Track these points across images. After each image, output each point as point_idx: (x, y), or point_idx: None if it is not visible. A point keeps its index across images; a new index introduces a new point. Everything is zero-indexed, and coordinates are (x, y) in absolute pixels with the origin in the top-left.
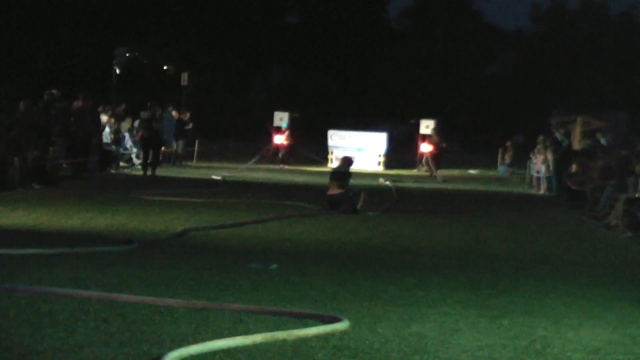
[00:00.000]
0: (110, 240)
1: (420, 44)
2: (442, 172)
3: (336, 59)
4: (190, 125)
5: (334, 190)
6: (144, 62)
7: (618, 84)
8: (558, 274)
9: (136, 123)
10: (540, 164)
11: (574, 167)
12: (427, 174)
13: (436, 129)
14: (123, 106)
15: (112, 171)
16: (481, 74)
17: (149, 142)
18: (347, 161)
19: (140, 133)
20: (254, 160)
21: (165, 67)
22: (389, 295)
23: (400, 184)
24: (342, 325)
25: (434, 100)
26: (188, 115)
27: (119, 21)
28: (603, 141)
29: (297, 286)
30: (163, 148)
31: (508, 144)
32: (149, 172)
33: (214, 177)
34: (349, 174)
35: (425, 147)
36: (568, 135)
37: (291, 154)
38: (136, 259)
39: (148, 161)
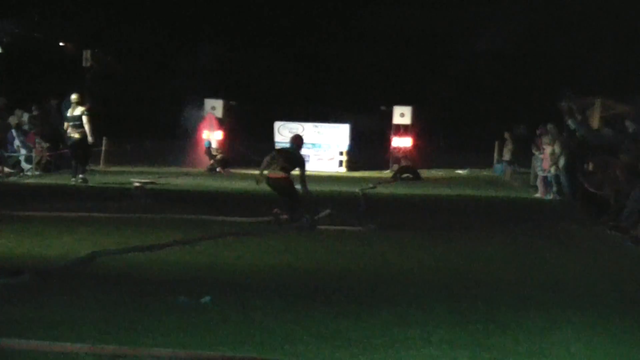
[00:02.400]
0: None
1: (391, 10)
2: (421, 173)
3: (281, 31)
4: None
5: (276, 173)
6: (34, 39)
7: None
8: (573, 303)
9: (25, 117)
10: (547, 161)
11: (591, 165)
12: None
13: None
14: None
15: None
16: (470, 48)
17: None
18: (297, 140)
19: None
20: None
21: (62, 45)
22: (356, 334)
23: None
24: None
25: (410, 82)
26: (87, 106)
27: None
28: (631, 130)
29: (238, 325)
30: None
31: (506, 136)
32: (79, 179)
33: (135, 183)
34: (302, 162)
35: (402, 142)
36: (585, 123)
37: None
38: (28, 293)
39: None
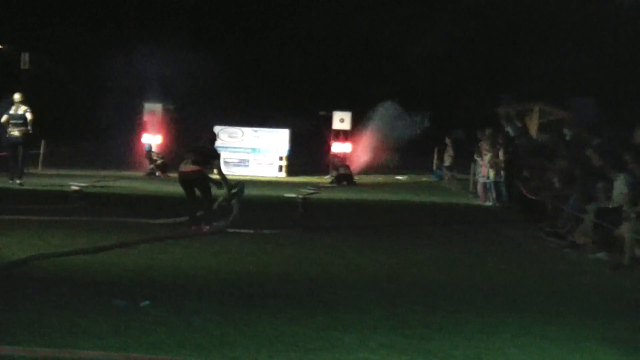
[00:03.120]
0: None
1: (331, 14)
2: (360, 179)
3: (220, 34)
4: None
5: (187, 167)
6: None
7: (584, 63)
8: (510, 308)
9: None
10: (486, 167)
11: (528, 171)
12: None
13: None
14: None
15: None
16: (407, 52)
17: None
18: (210, 135)
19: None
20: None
21: None
22: (294, 337)
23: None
24: None
25: (349, 87)
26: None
27: None
28: (568, 136)
29: (175, 328)
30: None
31: (447, 141)
32: (17, 183)
33: (74, 187)
34: (215, 154)
35: (341, 147)
36: (524, 129)
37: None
38: None
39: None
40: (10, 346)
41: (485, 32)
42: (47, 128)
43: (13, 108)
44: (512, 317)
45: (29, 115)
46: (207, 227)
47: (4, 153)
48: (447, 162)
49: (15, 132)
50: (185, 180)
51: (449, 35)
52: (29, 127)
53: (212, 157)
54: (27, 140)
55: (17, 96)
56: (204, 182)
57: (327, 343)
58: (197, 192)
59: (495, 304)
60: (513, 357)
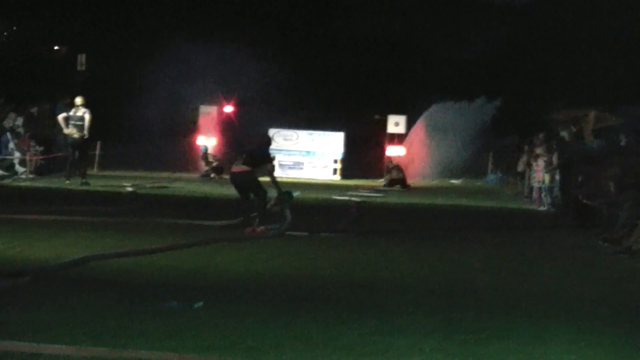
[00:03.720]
0: None
1: (385, 19)
2: (414, 183)
3: (276, 37)
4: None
5: (238, 167)
6: (27, 41)
7: (634, 70)
8: (563, 314)
9: (19, 120)
10: (541, 172)
11: (583, 176)
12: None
13: None
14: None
15: None
16: (457, 57)
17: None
18: (264, 138)
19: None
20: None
21: (56, 48)
22: (345, 341)
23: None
24: None
25: (405, 91)
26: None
27: None
28: (623, 143)
29: (228, 330)
30: (61, 153)
31: (525, 148)
32: (82, 183)
33: (129, 188)
34: (267, 157)
35: (396, 151)
36: (580, 135)
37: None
38: (21, 296)
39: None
40: (67, 345)
41: (534, 37)
42: (102, 129)
43: (73, 110)
44: (566, 323)
45: (87, 116)
46: (262, 228)
47: (60, 154)
48: (520, 167)
49: (75, 134)
50: (236, 180)
51: (499, 40)
52: (85, 129)
53: (264, 160)
54: (85, 141)
55: (78, 99)
56: (254, 182)
57: (379, 347)
58: (252, 194)
59: (549, 309)
60: None
